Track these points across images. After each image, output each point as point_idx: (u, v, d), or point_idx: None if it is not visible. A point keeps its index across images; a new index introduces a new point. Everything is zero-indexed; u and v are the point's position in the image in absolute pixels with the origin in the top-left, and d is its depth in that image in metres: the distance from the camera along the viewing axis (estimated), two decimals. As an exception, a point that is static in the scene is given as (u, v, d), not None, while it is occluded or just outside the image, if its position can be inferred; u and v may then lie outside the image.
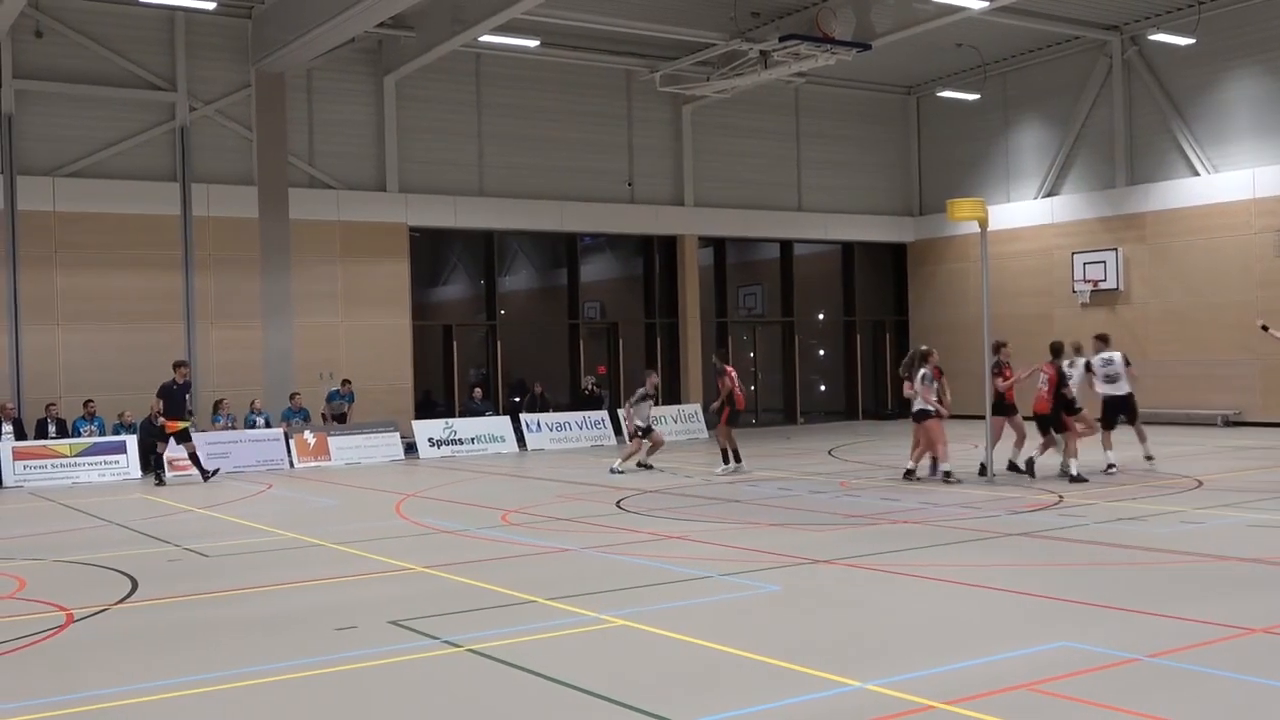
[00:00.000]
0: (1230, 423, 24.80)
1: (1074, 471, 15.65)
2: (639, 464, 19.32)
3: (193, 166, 23.49)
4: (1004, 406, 16.89)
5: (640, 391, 19.67)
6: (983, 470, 16.27)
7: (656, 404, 22.10)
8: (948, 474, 15.94)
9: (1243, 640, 7.22)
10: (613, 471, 18.75)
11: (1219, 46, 25.38)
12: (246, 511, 15.55)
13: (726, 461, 18.65)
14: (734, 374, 18.92)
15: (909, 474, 16.43)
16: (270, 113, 24.04)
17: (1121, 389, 16.85)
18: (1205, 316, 25.66)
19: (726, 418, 18.70)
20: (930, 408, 15.99)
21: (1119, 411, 17.00)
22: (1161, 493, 14.49)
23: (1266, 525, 11.83)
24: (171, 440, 19.61)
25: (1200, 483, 15.32)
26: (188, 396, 19.85)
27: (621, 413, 22.10)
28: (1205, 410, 25.19)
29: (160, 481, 19.49)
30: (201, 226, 23.46)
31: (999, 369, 16.74)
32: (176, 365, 19.75)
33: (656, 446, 19.47)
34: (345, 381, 24.03)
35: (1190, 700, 6.10)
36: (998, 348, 16.84)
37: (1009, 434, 17.20)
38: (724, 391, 18.69)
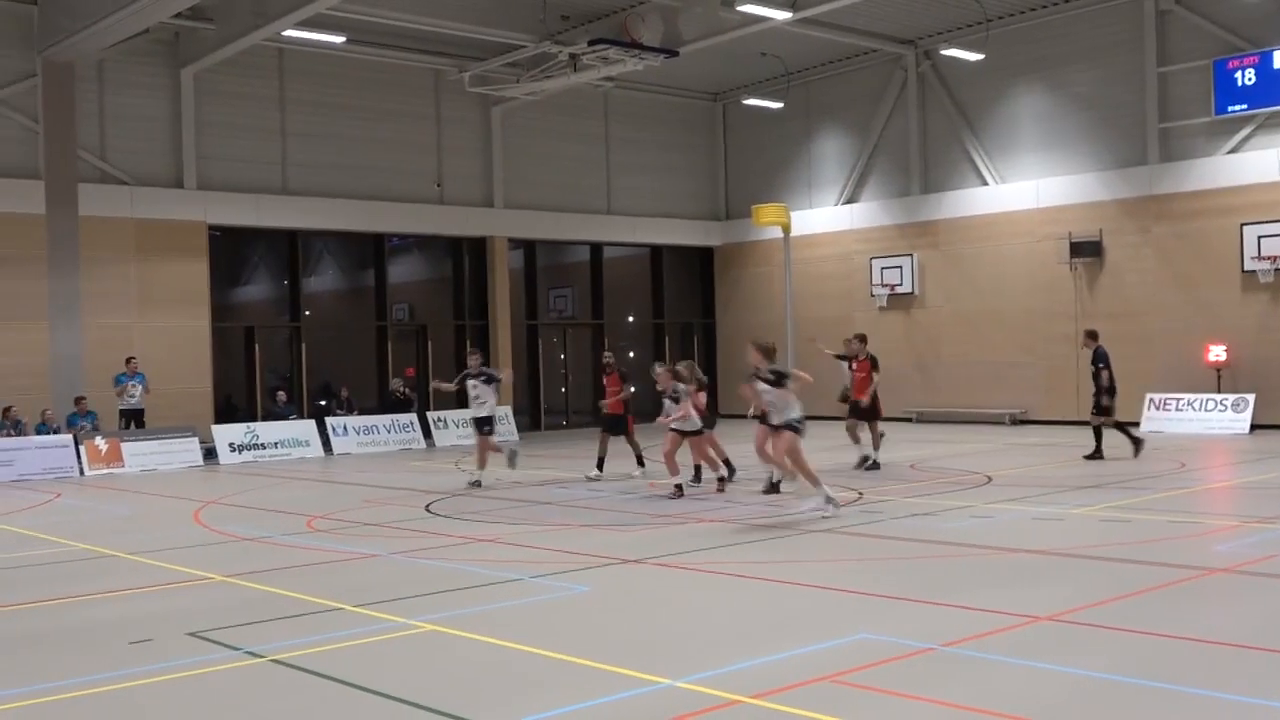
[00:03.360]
0: (1017, 421, 26.04)
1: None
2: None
3: (-29, 159, 22.23)
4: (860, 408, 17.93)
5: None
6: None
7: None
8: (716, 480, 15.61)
9: (1029, 628, 7.59)
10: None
11: (1006, 63, 26.65)
12: (32, 522, 14.77)
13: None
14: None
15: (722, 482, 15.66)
16: (57, 104, 22.86)
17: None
18: (993, 320, 26.90)
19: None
20: (693, 425, 15.24)
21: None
22: (954, 489, 15.12)
23: (1049, 518, 12.48)
24: None
25: (989, 478, 16.05)
26: None
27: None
28: (994, 409, 26.38)
29: None
30: (-19, 222, 22.21)
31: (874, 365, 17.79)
32: None
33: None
34: (129, 359, 22.49)
35: (980, 686, 6.38)
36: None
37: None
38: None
